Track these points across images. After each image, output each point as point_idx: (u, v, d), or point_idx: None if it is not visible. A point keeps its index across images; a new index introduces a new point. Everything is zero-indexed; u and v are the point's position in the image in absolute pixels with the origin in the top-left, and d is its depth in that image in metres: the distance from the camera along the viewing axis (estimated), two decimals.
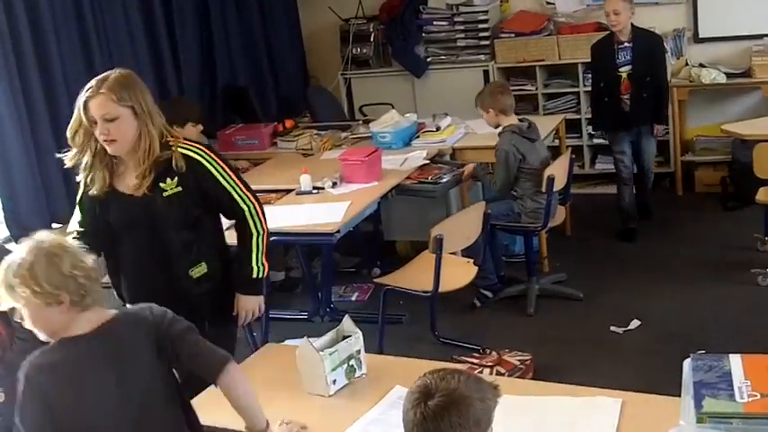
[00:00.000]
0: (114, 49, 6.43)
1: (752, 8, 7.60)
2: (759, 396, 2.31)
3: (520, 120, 6.04)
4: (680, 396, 2.48)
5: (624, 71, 6.74)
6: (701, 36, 7.83)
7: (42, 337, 2.68)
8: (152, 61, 6.83)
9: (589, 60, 7.78)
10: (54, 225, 5.85)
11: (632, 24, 6.70)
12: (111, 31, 6.42)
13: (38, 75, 5.75)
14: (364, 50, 8.51)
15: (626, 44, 6.70)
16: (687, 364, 2.49)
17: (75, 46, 6.08)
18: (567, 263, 6.55)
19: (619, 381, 4.63)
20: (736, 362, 2.46)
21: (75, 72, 6.04)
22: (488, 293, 6.13)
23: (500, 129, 5.98)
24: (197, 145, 3.77)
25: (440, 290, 5.09)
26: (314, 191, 5.70)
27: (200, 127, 6.41)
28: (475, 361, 5.11)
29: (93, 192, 3.63)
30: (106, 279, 3.71)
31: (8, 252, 2.79)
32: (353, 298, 6.48)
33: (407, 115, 6.87)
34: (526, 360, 5.14)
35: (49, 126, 5.79)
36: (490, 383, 2.30)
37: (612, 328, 5.53)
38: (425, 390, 2.21)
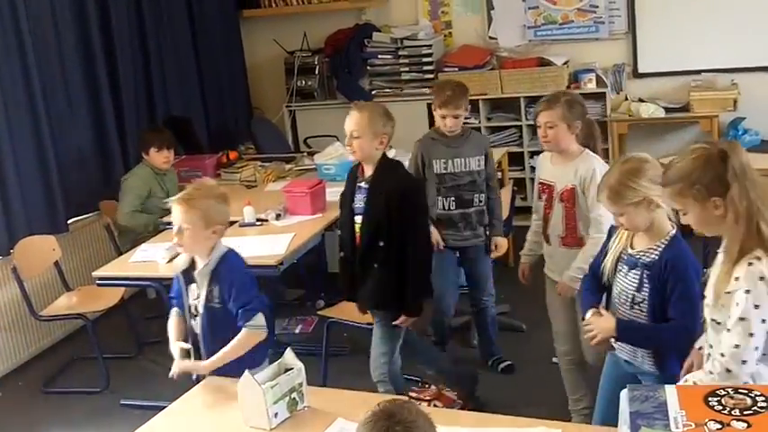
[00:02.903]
0: (52, 80, 6.43)
1: (690, 44, 7.74)
2: (694, 426, 2.34)
3: None
4: (617, 426, 2.51)
5: (358, 221, 4.61)
6: (640, 71, 7.97)
7: None
8: (89, 92, 6.81)
9: (532, 94, 7.92)
10: None
11: (384, 157, 4.59)
12: (48, 62, 6.41)
13: None
14: (309, 83, 8.55)
15: (364, 182, 4.60)
16: (624, 394, 2.51)
17: (16, 77, 6.06)
18: (511, 294, 6.57)
19: (559, 411, 4.68)
20: (671, 392, 2.49)
21: (17, 106, 6.02)
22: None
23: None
24: None
25: None
26: (257, 223, 5.68)
27: (166, 153, 6.41)
28: (413, 395, 5.07)
29: None
30: None
31: None
32: (297, 330, 6.46)
33: None
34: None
35: None
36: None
37: (554, 360, 5.53)
38: (390, 415, 2.25)
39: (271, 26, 8.80)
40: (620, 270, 3.54)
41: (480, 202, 5.43)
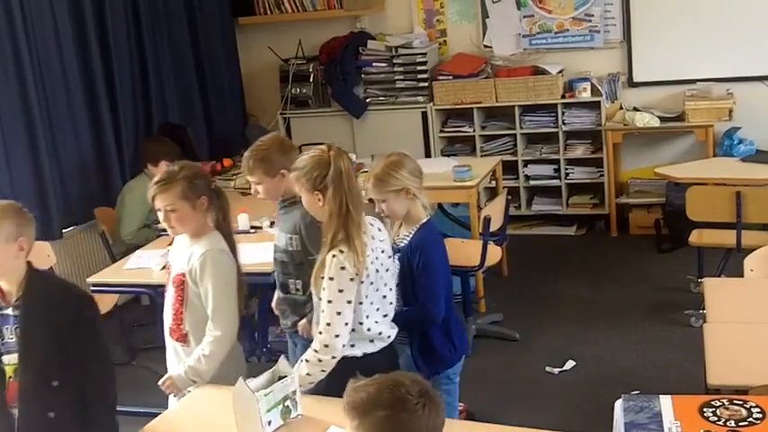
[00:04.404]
0: (49, 86, 6.40)
1: (685, 53, 7.74)
2: None
3: None
4: None
5: (8, 361, 3.44)
6: (635, 80, 7.97)
7: None
8: (86, 99, 6.78)
9: (527, 103, 7.92)
10: None
11: (30, 268, 3.41)
12: (46, 69, 6.38)
13: None
14: (304, 90, 8.54)
15: (10, 309, 3.41)
16: (618, 404, 2.51)
17: (10, 83, 6.05)
18: (504, 303, 6.59)
19: (553, 420, 4.68)
20: (666, 403, 2.49)
21: (11, 110, 6.01)
22: None
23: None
24: None
25: None
26: (251, 230, 5.69)
27: None
28: None
29: None
30: None
31: None
32: None
33: None
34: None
35: None
36: None
37: (548, 369, 5.56)
38: (424, 392, 2.34)
39: (266, 33, 8.79)
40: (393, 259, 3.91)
41: (298, 290, 4.21)
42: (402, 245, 4.00)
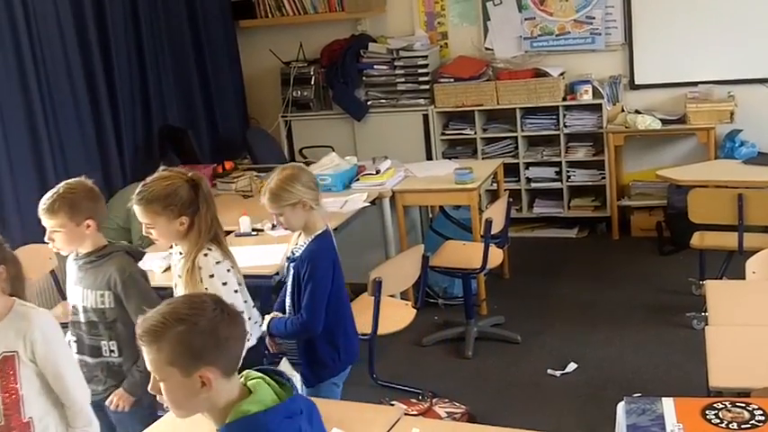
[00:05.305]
0: (53, 91, 6.39)
1: (687, 56, 7.74)
2: None
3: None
4: None
5: None
6: (636, 83, 7.96)
7: None
8: (88, 104, 6.77)
9: (528, 106, 7.93)
10: None
11: None
12: (51, 75, 6.37)
13: None
14: (305, 93, 8.54)
15: None
16: (621, 407, 2.51)
17: (12, 83, 6.04)
18: (506, 305, 6.58)
19: (555, 423, 4.68)
20: (668, 405, 2.49)
21: (13, 112, 6.00)
22: None
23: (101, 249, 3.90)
24: None
25: (378, 332, 5.08)
26: (253, 233, 5.68)
27: None
28: (403, 407, 5.06)
29: None
30: None
31: None
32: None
33: (347, 158, 6.89)
34: (456, 413, 5.09)
35: None
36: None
37: (549, 371, 5.56)
38: (218, 301, 2.38)
39: (267, 36, 8.79)
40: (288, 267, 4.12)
41: (113, 351, 3.90)
42: (298, 254, 4.07)
